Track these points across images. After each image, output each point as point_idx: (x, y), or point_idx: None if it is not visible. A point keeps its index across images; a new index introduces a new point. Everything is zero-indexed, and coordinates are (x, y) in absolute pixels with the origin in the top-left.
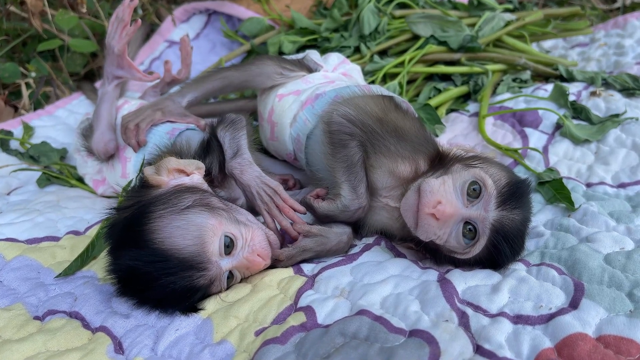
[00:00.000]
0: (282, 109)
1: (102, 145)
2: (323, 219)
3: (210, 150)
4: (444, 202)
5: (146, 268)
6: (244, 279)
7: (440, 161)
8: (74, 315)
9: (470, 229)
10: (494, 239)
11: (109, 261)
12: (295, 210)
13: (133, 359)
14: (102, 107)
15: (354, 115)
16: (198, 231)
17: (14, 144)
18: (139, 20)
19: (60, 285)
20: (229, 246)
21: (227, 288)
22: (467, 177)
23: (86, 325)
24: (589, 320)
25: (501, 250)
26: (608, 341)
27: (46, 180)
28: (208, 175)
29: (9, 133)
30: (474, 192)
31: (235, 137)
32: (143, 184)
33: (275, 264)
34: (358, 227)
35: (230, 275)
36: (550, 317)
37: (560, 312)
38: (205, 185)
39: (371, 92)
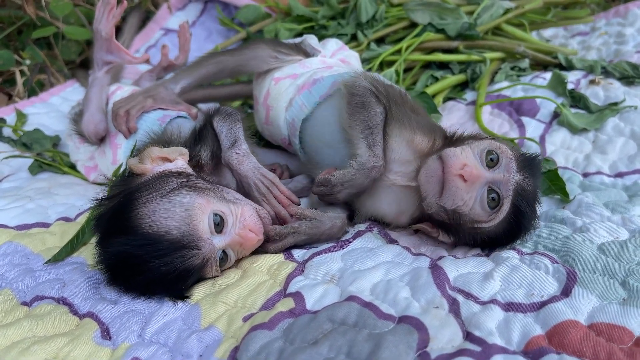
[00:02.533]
0: (278, 92)
1: (93, 127)
2: (332, 201)
3: (202, 138)
4: (469, 164)
5: (137, 252)
6: (235, 262)
7: (451, 140)
8: (62, 301)
9: (493, 198)
10: (517, 203)
11: (98, 251)
12: (291, 201)
13: (120, 345)
14: (92, 91)
15: (380, 84)
16: (186, 211)
17: (6, 131)
18: (125, 2)
19: (49, 271)
20: (219, 224)
21: (222, 272)
22: (484, 145)
23: (74, 311)
24: (581, 308)
25: (524, 215)
26: (600, 329)
27: (38, 167)
28: (197, 163)
29: (2, 120)
30: (491, 161)
31: (233, 129)
32: (129, 174)
33: (265, 245)
34: (353, 214)
35: (224, 256)
36: (542, 304)
37: (552, 299)
38: (189, 170)
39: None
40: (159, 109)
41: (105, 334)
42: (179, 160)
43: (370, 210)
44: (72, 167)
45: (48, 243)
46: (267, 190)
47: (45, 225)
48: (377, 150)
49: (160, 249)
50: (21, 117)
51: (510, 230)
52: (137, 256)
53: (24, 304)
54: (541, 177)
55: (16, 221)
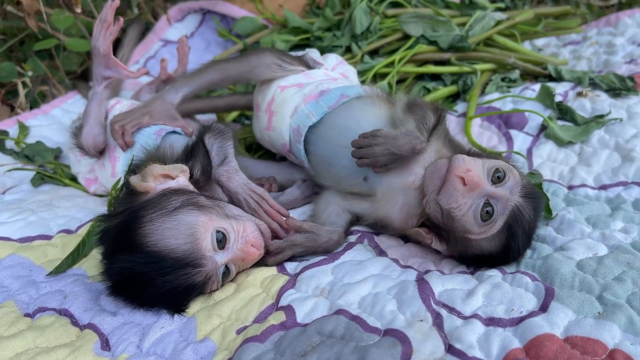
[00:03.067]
0: (284, 99)
1: (92, 140)
2: (368, 157)
3: (193, 154)
4: (473, 171)
5: (142, 269)
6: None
7: (469, 153)
8: (63, 313)
9: (487, 212)
10: (512, 225)
11: (103, 265)
12: (281, 214)
13: (119, 356)
14: (91, 105)
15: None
16: (190, 229)
17: (9, 144)
18: (121, 19)
19: (51, 283)
20: (222, 241)
21: (222, 285)
22: (495, 163)
23: (75, 322)
24: (557, 322)
25: (517, 239)
26: (575, 342)
27: (40, 179)
28: (191, 178)
29: (5, 132)
30: (498, 179)
31: (223, 146)
32: (131, 191)
33: (265, 257)
34: (349, 228)
35: (227, 270)
36: (521, 319)
37: (531, 314)
38: (191, 187)
39: (379, 94)
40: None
41: (105, 345)
42: (181, 178)
43: (381, 211)
44: (74, 179)
45: (50, 255)
46: (257, 205)
47: (47, 237)
48: (424, 132)
49: (164, 266)
50: (23, 129)
51: (500, 251)
52: (142, 273)
53: (27, 315)
54: (542, 214)
55: (19, 234)
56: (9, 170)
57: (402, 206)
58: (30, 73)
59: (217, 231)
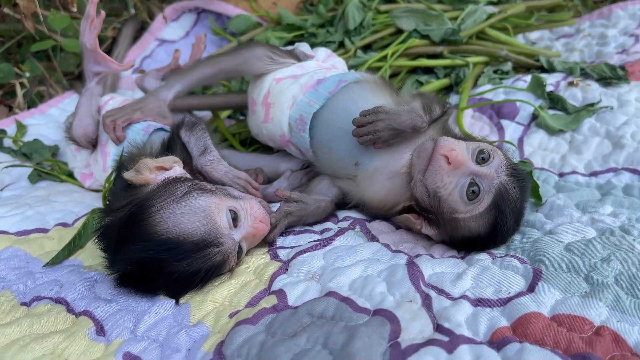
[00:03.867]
0: (280, 90)
1: (81, 130)
2: (370, 134)
3: (171, 149)
4: (457, 150)
5: (160, 256)
6: None
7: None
8: (59, 301)
9: (473, 191)
10: (499, 203)
11: (110, 259)
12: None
13: (113, 341)
14: (81, 99)
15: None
16: (204, 212)
17: (7, 142)
18: (103, 12)
19: (48, 274)
20: (235, 219)
21: (237, 263)
22: (479, 144)
23: (70, 310)
24: (544, 301)
25: (505, 218)
26: (561, 319)
27: (37, 176)
28: None
29: (3, 131)
30: (482, 160)
31: (200, 137)
32: (129, 186)
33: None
34: (339, 204)
35: (240, 249)
36: (508, 300)
37: (518, 295)
38: (188, 175)
39: (376, 79)
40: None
41: (100, 330)
42: (177, 167)
43: (366, 195)
44: (70, 175)
45: (46, 247)
46: (244, 190)
47: (44, 230)
48: (427, 114)
49: (184, 251)
50: (21, 128)
51: (489, 231)
52: (160, 260)
53: (24, 304)
54: (529, 194)
55: (16, 227)
56: (7, 167)
57: (389, 191)
58: (28, 74)
59: (230, 210)
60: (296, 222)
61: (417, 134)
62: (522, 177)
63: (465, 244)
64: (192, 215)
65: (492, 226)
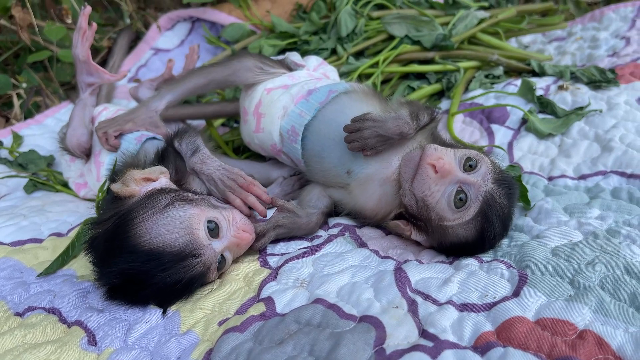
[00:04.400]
0: (271, 100)
1: (75, 140)
2: (359, 141)
3: (165, 157)
4: (445, 159)
5: (142, 268)
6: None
7: (446, 145)
8: (52, 311)
9: (461, 199)
10: (486, 211)
11: (98, 271)
12: (259, 188)
13: (104, 350)
14: (75, 110)
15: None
16: (184, 222)
17: (3, 153)
18: (94, 24)
19: (41, 284)
20: (214, 229)
21: (220, 276)
22: (466, 152)
23: (63, 320)
24: (528, 306)
25: (492, 226)
26: (545, 323)
27: (33, 186)
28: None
29: None
30: (470, 167)
31: (191, 141)
32: (116, 198)
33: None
34: (330, 214)
35: (223, 259)
36: (494, 304)
37: (503, 299)
38: (174, 186)
39: (365, 89)
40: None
41: (92, 340)
42: (163, 179)
43: (358, 204)
44: (65, 185)
45: (41, 257)
46: (233, 182)
47: (39, 240)
48: (414, 121)
49: (164, 262)
50: (17, 138)
51: (476, 238)
52: (142, 272)
53: (17, 314)
54: (516, 200)
55: (11, 238)
56: (2, 178)
57: (380, 198)
58: (24, 85)
59: (210, 221)
60: (285, 234)
61: (405, 141)
62: (509, 184)
63: (454, 250)
64: (172, 226)
65: (480, 233)
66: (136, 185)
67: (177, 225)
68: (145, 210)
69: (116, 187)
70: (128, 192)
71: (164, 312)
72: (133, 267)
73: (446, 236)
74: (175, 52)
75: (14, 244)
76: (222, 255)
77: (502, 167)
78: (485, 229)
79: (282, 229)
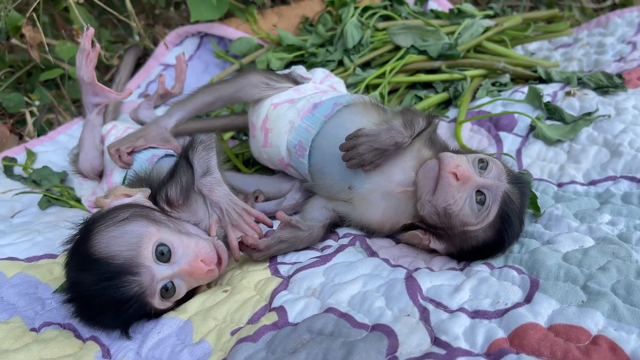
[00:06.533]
0: (277, 115)
1: (88, 164)
2: (356, 158)
3: (176, 172)
4: (463, 165)
5: (83, 278)
6: (226, 279)
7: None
8: (67, 327)
9: (481, 199)
10: (505, 210)
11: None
12: (265, 224)
13: None
14: (84, 132)
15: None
16: (134, 238)
17: (17, 170)
18: (97, 45)
19: (57, 299)
20: (165, 253)
21: (172, 305)
22: (476, 155)
23: (78, 335)
24: (541, 312)
25: (511, 223)
26: (558, 329)
27: (47, 202)
28: (167, 199)
29: (13, 159)
30: (483, 169)
31: (205, 157)
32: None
33: (252, 253)
34: (335, 225)
35: (172, 287)
36: (506, 311)
37: (515, 306)
38: (147, 203)
39: (366, 100)
40: (150, 147)
41: (106, 354)
42: (139, 194)
43: (364, 218)
44: (79, 200)
45: (56, 273)
46: (239, 217)
47: (53, 256)
48: (408, 131)
49: (105, 272)
50: (31, 155)
51: (497, 240)
52: (84, 283)
53: (33, 330)
54: (529, 197)
55: (26, 254)
56: (17, 194)
57: (384, 211)
58: (37, 102)
59: (162, 243)
60: (287, 248)
61: (402, 150)
62: (522, 182)
63: (474, 253)
64: (122, 240)
65: (500, 233)
66: (115, 198)
67: (127, 239)
68: (105, 221)
69: (99, 199)
70: (100, 203)
71: (122, 332)
72: (77, 278)
73: (467, 241)
74: None
75: (29, 259)
76: (172, 282)
77: (511, 168)
78: (505, 229)
79: (284, 244)
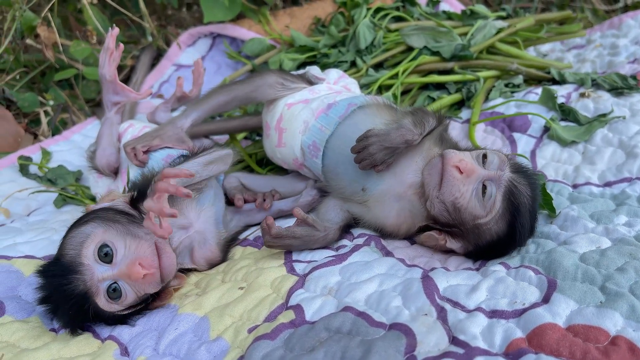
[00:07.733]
0: (292, 115)
1: (105, 160)
2: (367, 159)
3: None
4: (466, 159)
5: (45, 274)
6: (242, 276)
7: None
8: (86, 328)
9: (485, 192)
10: (511, 198)
11: None
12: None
13: (137, 358)
14: (103, 129)
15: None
16: (82, 238)
17: (33, 169)
18: (121, 45)
19: None
20: (107, 254)
21: (126, 310)
22: (479, 151)
23: (96, 335)
24: (559, 312)
25: (520, 212)
26: (577, 330)
27: (62, 200)
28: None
29: (29, 158)
30: (484, 162)
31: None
32: None
33: (264, 235)
34: (349, 227)
35: (119, 289)
36: (523, 311)
37: (533, 306)
38: (121, 206)
39: (380, 102)
40: (166, 147)
41: (124, 352)
42: (119, 200)
43: (379, 220)
44: (93, 199)
45: None
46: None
47: None
48: (418, 128)
49: (56, 270)
50: (46, 154)
51: (509, 232)
52: (45, 280)
53: (52, 330)
54: (539, 186)
55: (43, 252)
56: (33, 193)
57: (398, 213)
58: (51, 102)
59: (105, 244)
60: (300, 246)
61: (413, 149)
62: (528, 172)
63: (491, 250)
64: (74, 240)
65: (511, 225)
66: (101, 201)
67: (77, 239)
68: (74, 224)
69: (87, 206)
70: (86, 209)
71: (72, 333)
72: (44, 274)
73: (481, 235)
74: None
75: (46, 258)
76: (118, 285)
77: (519, 162)
78: (515, 218)
79: (297, 241)
